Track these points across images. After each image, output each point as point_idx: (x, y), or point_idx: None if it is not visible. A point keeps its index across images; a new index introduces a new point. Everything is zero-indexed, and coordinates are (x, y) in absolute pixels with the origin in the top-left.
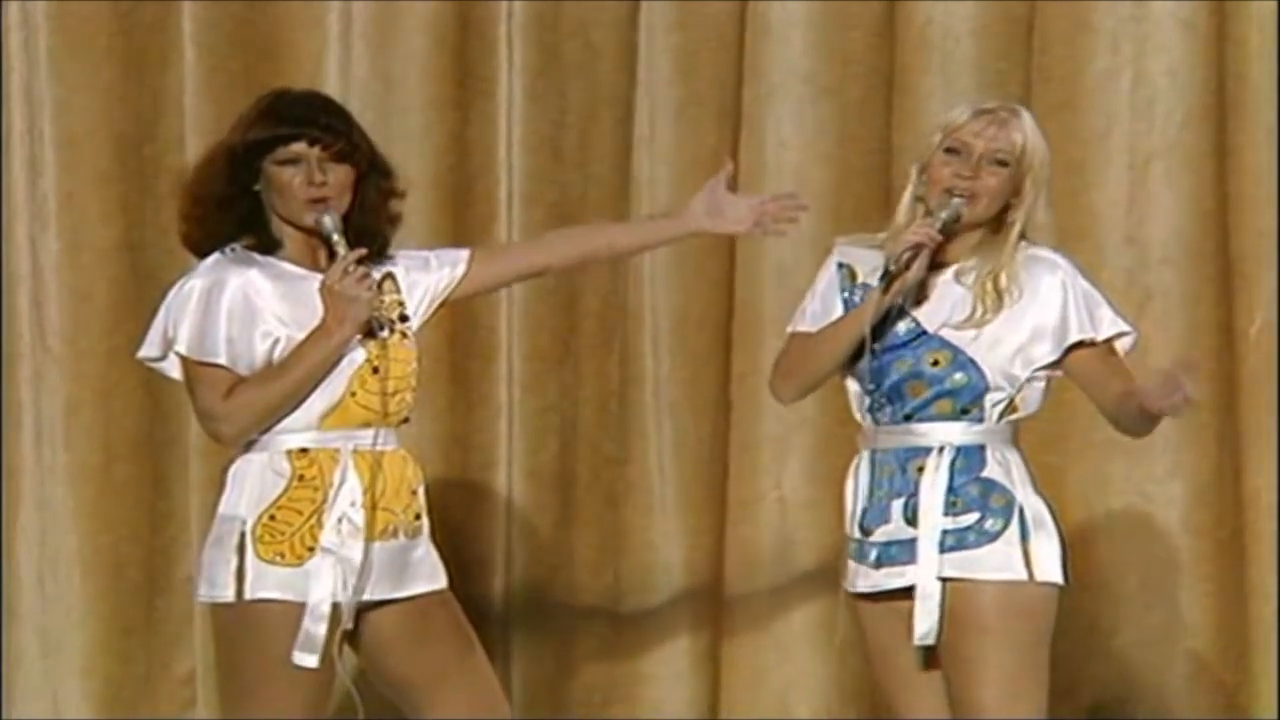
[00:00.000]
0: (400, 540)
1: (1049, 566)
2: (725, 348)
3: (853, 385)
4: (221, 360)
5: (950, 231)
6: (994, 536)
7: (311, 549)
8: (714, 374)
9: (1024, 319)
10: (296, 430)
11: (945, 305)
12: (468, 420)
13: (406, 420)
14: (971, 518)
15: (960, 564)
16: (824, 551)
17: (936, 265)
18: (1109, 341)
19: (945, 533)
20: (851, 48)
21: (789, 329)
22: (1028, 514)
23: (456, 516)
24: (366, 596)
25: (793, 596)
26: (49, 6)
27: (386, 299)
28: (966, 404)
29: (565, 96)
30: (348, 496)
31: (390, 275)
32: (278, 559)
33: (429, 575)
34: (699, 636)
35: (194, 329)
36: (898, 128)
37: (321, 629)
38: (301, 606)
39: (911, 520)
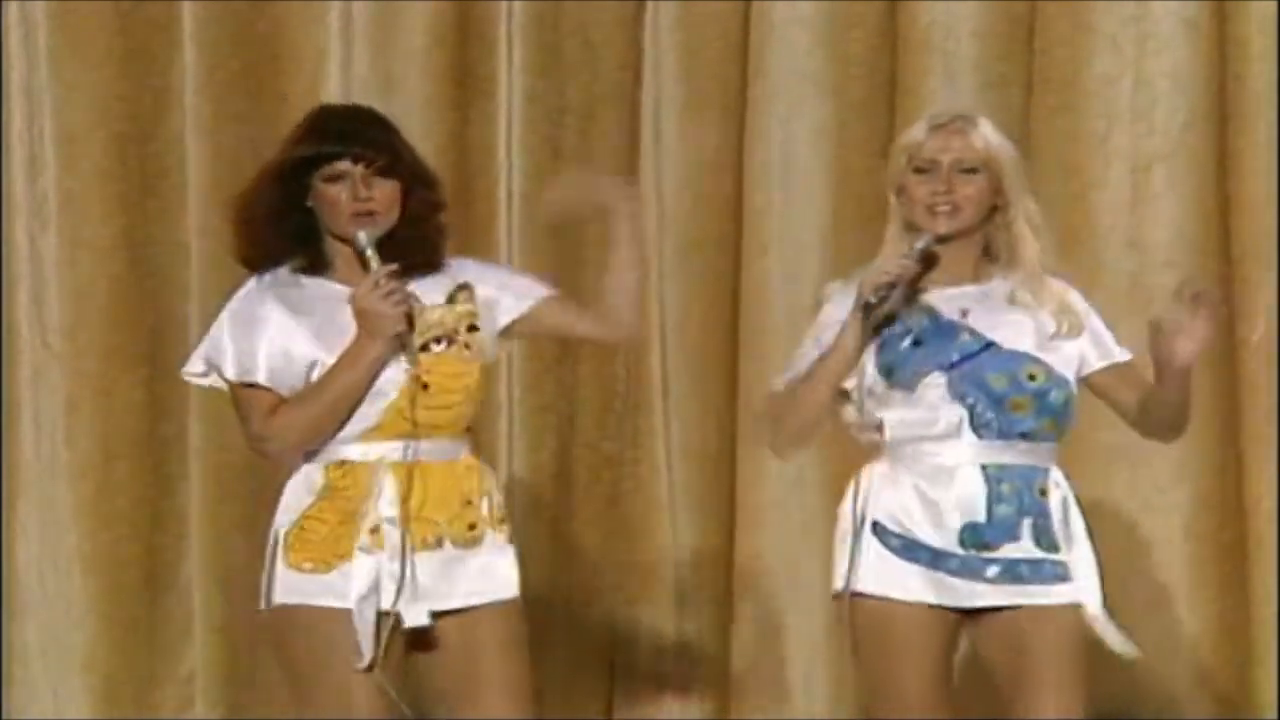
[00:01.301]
0: (448, 550)
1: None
2: (732, 347)
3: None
4: (262, 381)
5: (929, 259)
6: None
7: (341, 556)
8: (721, 374)
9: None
10: (340, 444)
11: (1006, 321)
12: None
13: (470, 430)
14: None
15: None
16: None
17: (960, 283)
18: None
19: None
20: (853, 48)
21: (776, 385)
22: None
23: None
24: (411, 606)
25: (801, 598)
26: (49, 5)
27: (448, 311)
28: (1062, 426)
29: (565, 96)
30: (384, 507)
31: (467, 286)
32: (304, 566)
33: (485, 587)
34: (704, 638)
35: (235, 352)
36: (900, 129)
37: (365, 631)
38: (327, 612)
39: (1040, 543)
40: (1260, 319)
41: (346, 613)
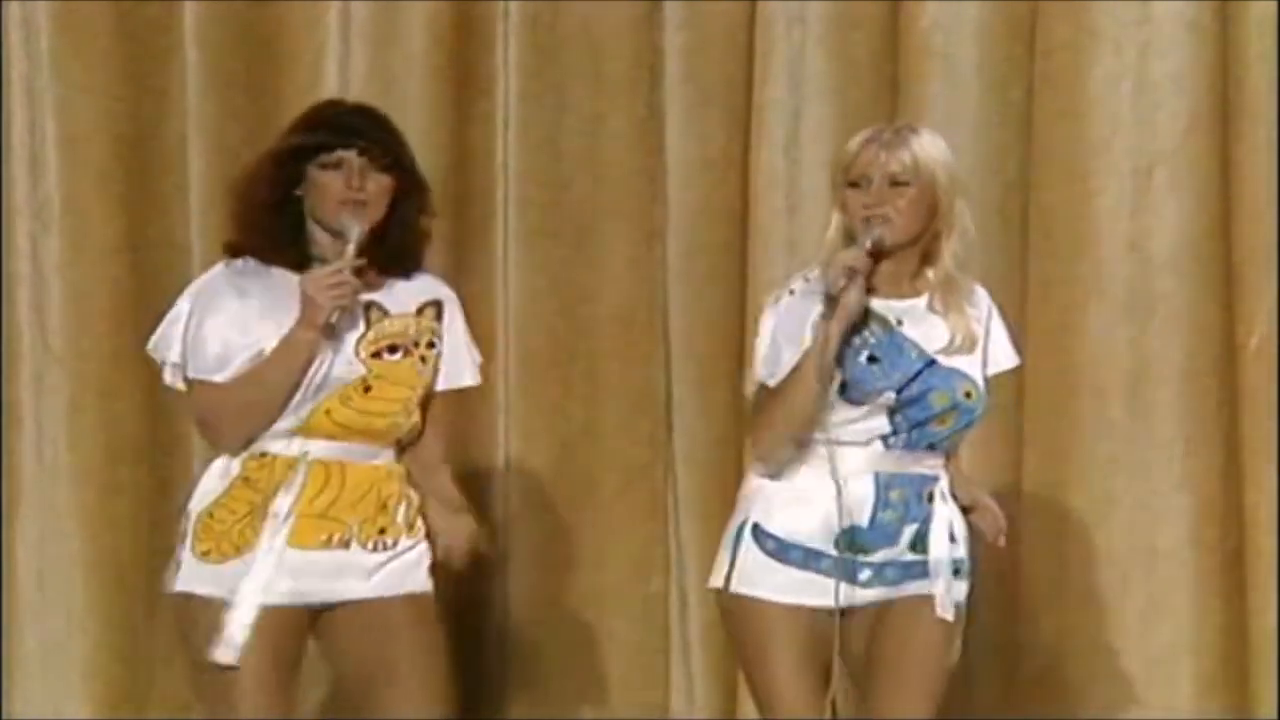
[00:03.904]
0: (354, 551)
1: None
2: (738, 350)
3: (853, 409)
4: (210, 372)
5: (881, 252)
6: (969, 570)
7: (239, 548)
8: (725, 378)
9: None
10: (266, 437)
11: (936, 335)
12: (466, 419)
13: (400, 443)
14: (962, 549)
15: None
16: None
17: (900, 296)
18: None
19: (954, 559)
20: (855, 50)
21: (762, 377)
22: None
23: None
24: (302, 601)
25: None
26: (50, 6)
27: (413, 321)
28: (959, 436)
29: (565, 96)
30: (286, 500)
31: (438, 304)
32: (206, 555)
33: (394, 581)
34: (705, 638)
35: (185, 341)
36: None
37: (237, 625)
38: (216, 603)
39: (915, 547)
40: (1260, 324)
41: (217, 604)
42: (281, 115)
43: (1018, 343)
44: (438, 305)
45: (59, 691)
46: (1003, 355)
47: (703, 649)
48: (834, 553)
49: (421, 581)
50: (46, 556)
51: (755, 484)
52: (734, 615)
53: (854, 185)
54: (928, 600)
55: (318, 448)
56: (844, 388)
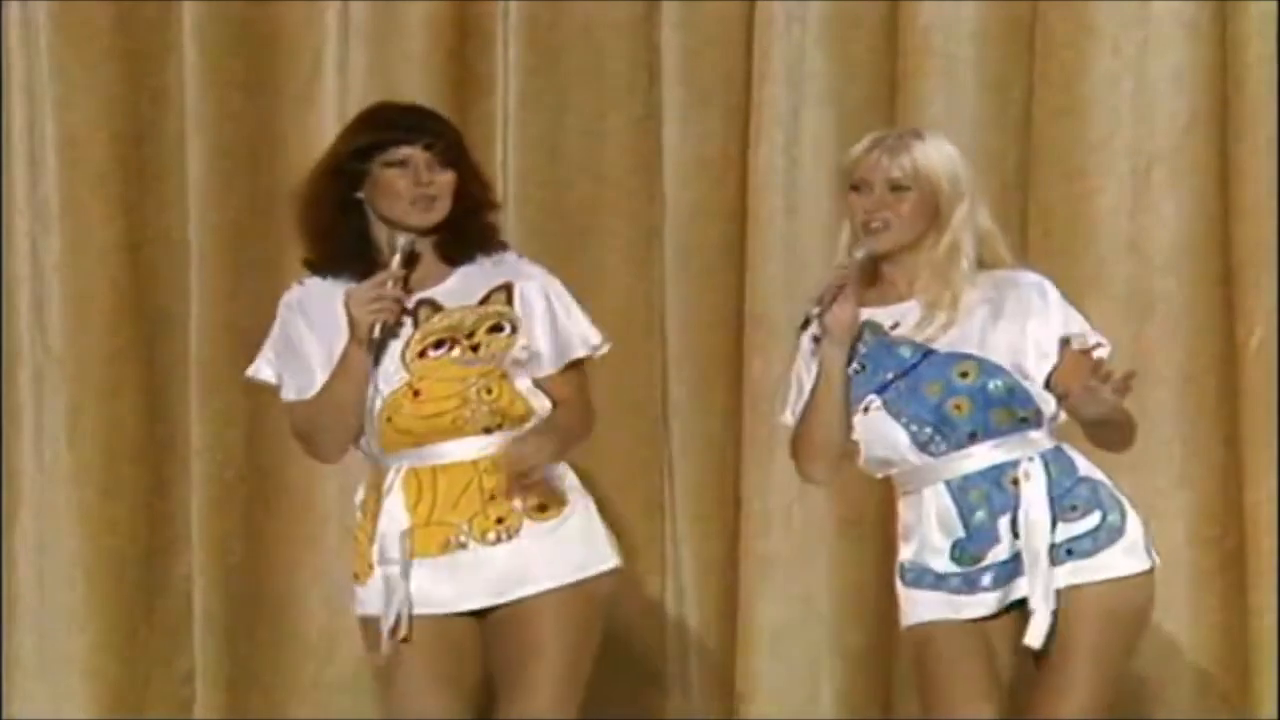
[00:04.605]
0: (475, 551)
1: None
2: (736, 350)
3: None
4: (296, 392)
5: (871, 268)
6: (1121, 531)
7: (372, 567)
8: (724, 377)
9: (1015, 325)
10: (370, 458)
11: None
12: None
13: (489, 430)
14: (1095, 518)
15: (1093, 569)
16: (837, 554)
17: (899, 299)
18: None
19: (1073, 538)
20: (854, 49)
21: (784, 419)
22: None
23: None
24: (435, 610)
25: (805, 601)
26: (49, 5)
27: (469, 311)
28: (1023, 412)
29: (565, 96)
30: (390, 519)
31: (507, 288)
32: (356, 579)
33: (521, 579)
34: (705, 639)
35: (271, 364)
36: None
37: (384, 639)
38: (368, 621)
39: (1017, 535)
40: (1260, 323)
41: (374, 621)
42: (281, 115)
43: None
44: (507, 288)
45: (58, 691)
46: (1046, 353)
47: (701, 648)
48: (955, 569)
49: (546, 578)
50: (46, 556)
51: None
52: (909, 650)
53: (856, 190)
54: (1070, 590)
55: (403, 458)
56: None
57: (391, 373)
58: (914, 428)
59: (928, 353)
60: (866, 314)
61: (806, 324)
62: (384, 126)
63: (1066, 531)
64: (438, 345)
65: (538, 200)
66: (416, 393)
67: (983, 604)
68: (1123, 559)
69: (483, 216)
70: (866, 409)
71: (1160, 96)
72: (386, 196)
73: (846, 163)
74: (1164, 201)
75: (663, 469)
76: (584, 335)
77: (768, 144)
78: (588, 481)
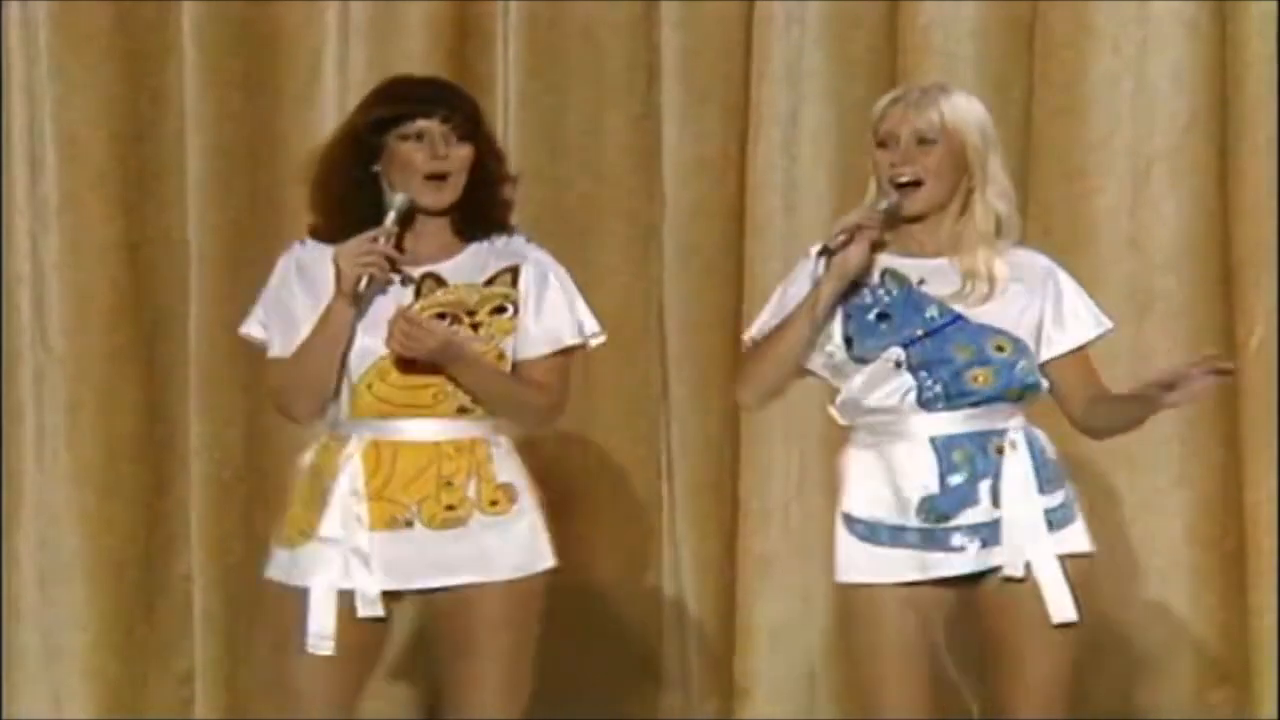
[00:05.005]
0: (419, 531)
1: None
2: (734, 349)
3: (863, 368)
4: (275, 348)
5: (893, 219)
6: (1075, 511)
7: (303, 533)
8: (723, 376)
9: (1034, 308)
10: (330, 423)
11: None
12: None
13: (464, 410)
14: (1062, 494)
15: (1064, 541)
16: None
17: (928, 255)
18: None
19: (1050, 509)
20: (854, 49)
21: (747, 336)
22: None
23: None
24: (380, 587)
25: (804, 599)
26: (49, 5)
27: (472, 290)
28: (1028, 394)
29: (565, 96)
30: (348, 486)
31: (515, 269)
32: (281, 542)
33: (470, 568)
34: (705, 639)
35: (260, 321)
36: None
37: (323, 616)
38: (293, 590)
39: (996, 502)
40: (1260, 323)
41: (299, 591)
42: (280, 114)
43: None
44: (514, 270)
45: (58, 691)
46: (1078, 328)
47: (701, 647)
48: (917, 523)
49: (498, 568)
50: (46, 555)
51: (840, 465)
52: (844, 605)
53: (882, 145)
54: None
55: (369, 428)
56: (850, 344)
57: (378, 336)
58: (928, 382)
59: (957, 317)
60: (887, 261)
61: (824, 253)
62: (401, 100)
63: (1045, 503)
64: (439, 318)
65: (538, 199)
66: (410, 363)
67: (954, 564)
68: (1082, 537)
69: (498, 192)
70: (884, 359)
71: (1160, 96)
72: (402, 170)
73: (873, 119)
74: (1164, 201)
75: (660, 468)
76: (579, 323)
77: (767, 143)
78: (586, 479)
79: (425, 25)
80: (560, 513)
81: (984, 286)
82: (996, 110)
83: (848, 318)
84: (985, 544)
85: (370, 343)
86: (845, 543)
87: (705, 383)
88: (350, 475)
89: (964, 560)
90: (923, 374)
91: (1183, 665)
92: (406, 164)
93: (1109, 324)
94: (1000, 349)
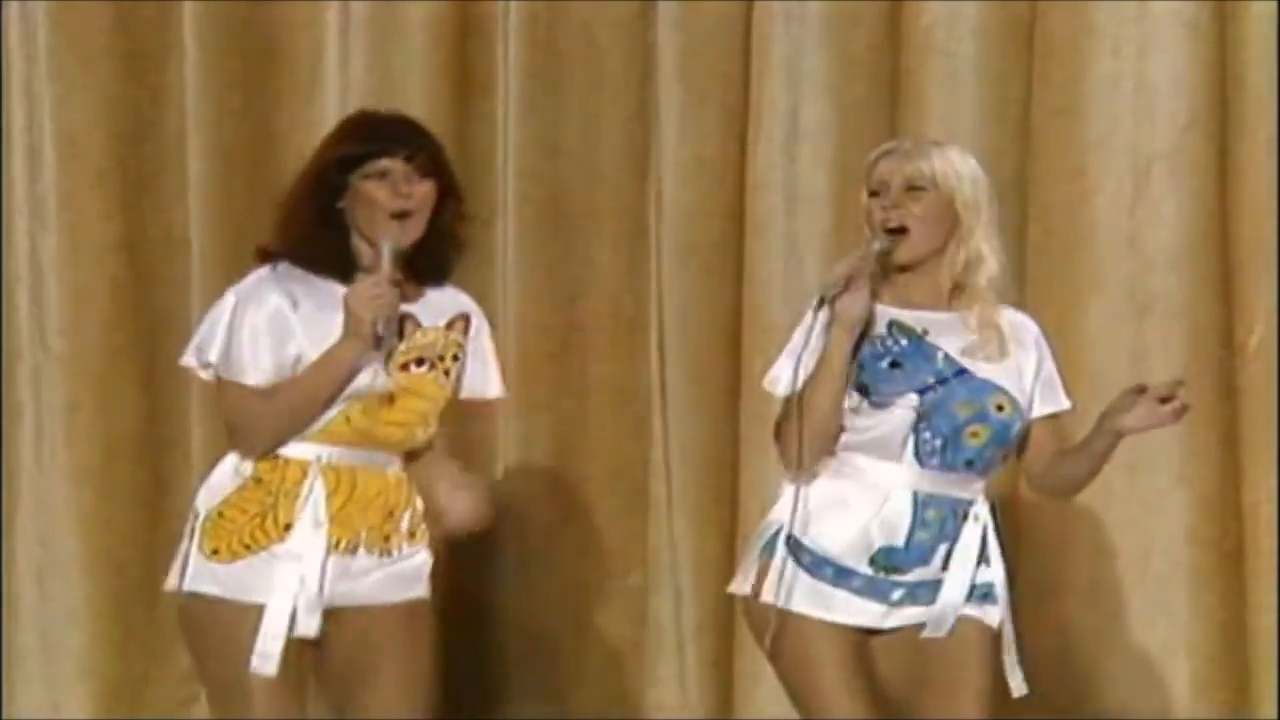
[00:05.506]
0: (361, 559)
1: None
2: (734, 348)
3: (878, 412)
4: (246, 378)
5: (886, 263)
6: (997, 596)
7: (249, 547)
8: (722, 376)
9: (1026, 370)
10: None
11: (965, 346)
12: (465, 417)
13: (414, 454)
14: (996, 571)
15: (985, 612)
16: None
17: (930, 307)
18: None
19: (984, 583)
20: (854, 48)
21: (771, 385)
22: None
23: None
24: (309, 615)
25: None
26: (49, 4)
27: (441, 334)
28: (1005, 456)
29: (565, 95)
30: (311, 507)
31: (466, 317)
32: (214, 555)
33: (390, 588)
34: (705, 639)
35: (223, 343)
36: (900, 129)
37: (271, 636)
38: (232, 606)
39: (946, 565)
40: (1259, 323)
41: (248, 608)
42: (280, 114)
43: (1067, 386)
44: (465, 318)
45: (57, 689)
46: (1060, 396)
47: (697, 647)
48: (867, 571)
49: (420, 589)
50: (45, 554)
51: (789, 491)
52: (764, 625)
53: (874, 194)
54: (972, 622)
55: (332, 453)
56: (866, 391)
57: (373, 375)
58: (927, 435)
59: (961, 371)
60: (893, 313)
61: (821, 304)
62: (367, 138)
63: (981, 576)
64: (419, 363)
65: (537, 199)
66: (392, 400)
67: (878, 615)
68: (996, 614)
69: (458, 235)
70: (888, 404)
71: (1160, 96)
72: (366, 208)
73: (866, 169)
74: (1164, 201)
75: (659, 468)
76: (497, 382)
77: (766, 142)
78: (584, 479)
79: (425, 25)
80: (558, 512)
81: (995, 345)
82: (996, 110)
83: (860, 368)
84: (915, 603)
85: (366, 379)
86: (787, 567)
87: (704, 381)
88: (314, 496)
89: (898, 616)
90: (923, 425)
91: (1182, 665)
92: (369, 201)
93: (1068, 405)
94: (1000, 408)
